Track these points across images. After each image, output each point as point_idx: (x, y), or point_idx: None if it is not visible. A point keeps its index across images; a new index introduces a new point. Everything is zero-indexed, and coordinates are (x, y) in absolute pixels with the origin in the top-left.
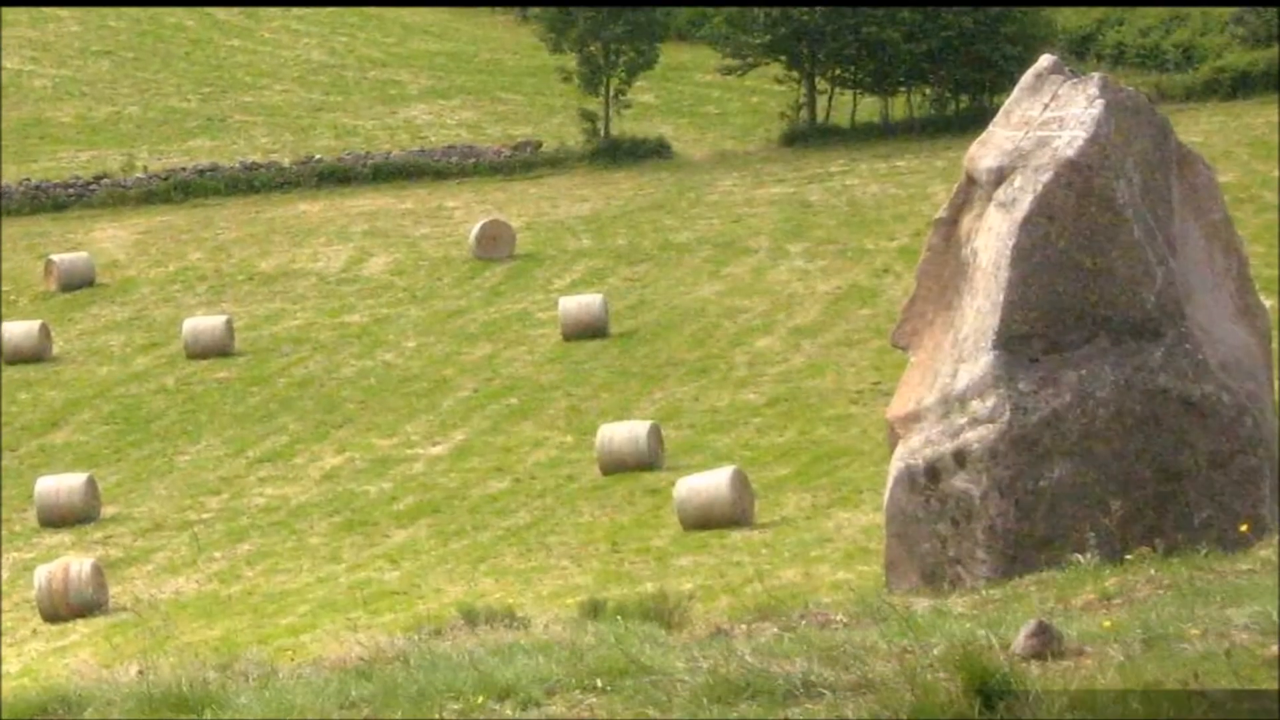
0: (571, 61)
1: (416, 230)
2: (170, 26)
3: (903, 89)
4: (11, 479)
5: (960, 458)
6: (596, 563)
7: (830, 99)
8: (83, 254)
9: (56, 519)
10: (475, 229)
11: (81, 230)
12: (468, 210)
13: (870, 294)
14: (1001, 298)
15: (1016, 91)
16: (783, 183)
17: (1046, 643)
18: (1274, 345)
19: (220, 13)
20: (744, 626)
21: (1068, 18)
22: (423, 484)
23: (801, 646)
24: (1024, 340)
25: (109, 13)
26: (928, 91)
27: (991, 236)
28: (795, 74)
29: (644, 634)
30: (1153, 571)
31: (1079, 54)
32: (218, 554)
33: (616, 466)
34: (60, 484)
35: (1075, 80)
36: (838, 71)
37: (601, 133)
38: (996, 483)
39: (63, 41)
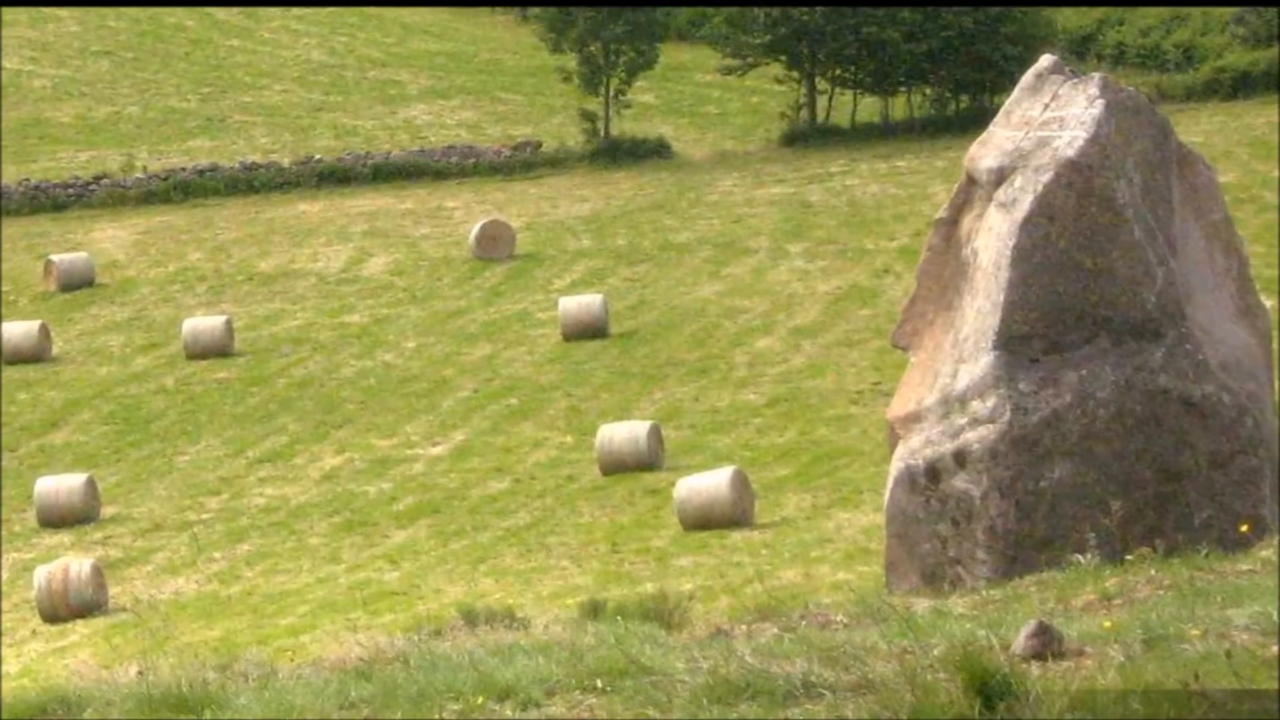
0: (571, 61)
1: (416, 230)
2: (170, 26)
3: (903, 89)
4: (11, 479)
5: (960, 458)
6: (596, 563)
7: (830, 99)
8: (82, 254)
9: (56, 519)
10: (475, 229)
11: (81, 230)
12: (468, 210)
13: (870, 294)
14: (1002, 298)
15: (1017, 91)
16: (783, 183)
17: (1047, 643)
18: (1274, 345)
19: (220, 13)
20: (744, 627)
21: (1068, 18)
22: (423, 484)
23: (802, 647)
24: (1024, 340)
25: (108, 13)
26: (928, 91)
27: (992, 236)
28: (795, 74)
29: (644, 634)
30: (1153, 572)
31: (1079, 54)
32: (217, 554)
33: (616, 467)
34: (60, 484)
35: (1075, 80)
36: (838, 71)
37: (601, 133)
38: (997, 483)
39: (62, 41)
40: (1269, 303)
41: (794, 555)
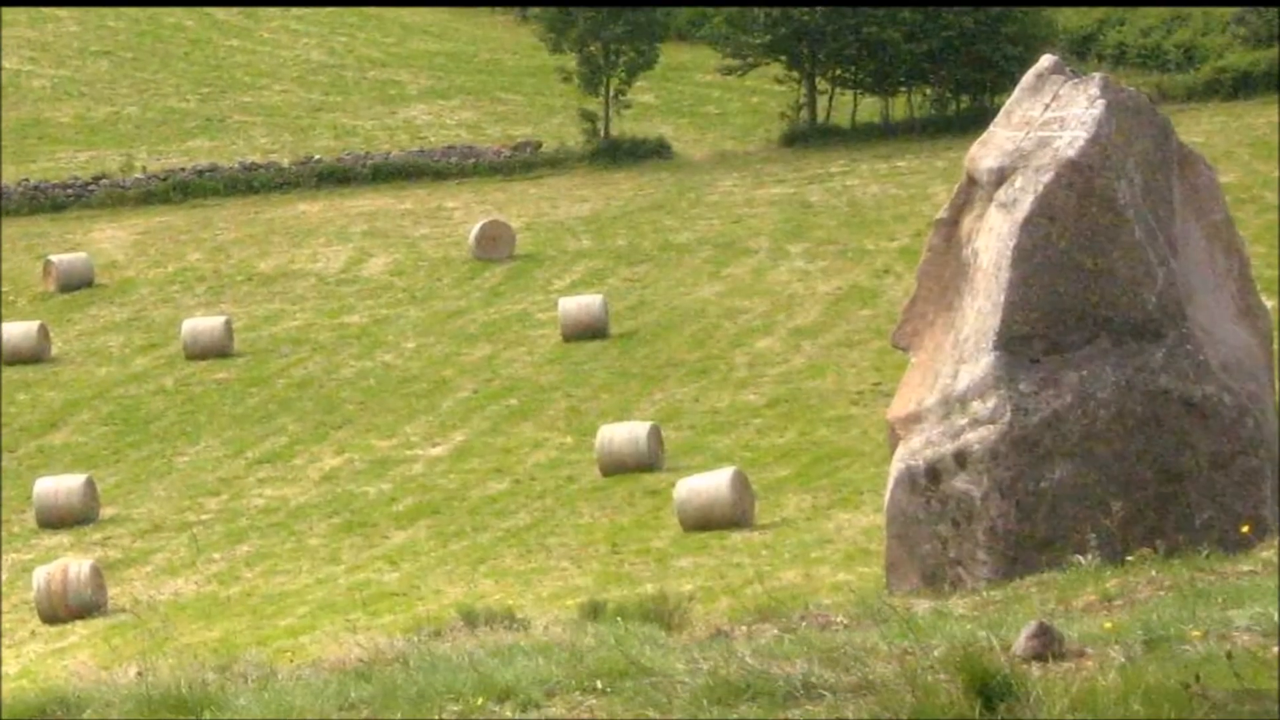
0: (571, 61)
1: (416, 231)
2: (169, 26)
3: (903, 89)
4: (10, 480)
5: (961, 459)
6: (596, 564)
7: (830, 99)
8: (81, 254)
9: (55, 520)
10: (475, 229)
11: (80, 231)
12: (467, 211)
13: (871, 295)
14: (1002, 298)
15: (1017, 92)
16: (783, 183)
17: (1047, 644)
18: (1275, 346)
19: (219, 13)
20: (744, 628)
21: (1069, 18)
22: (422, 485)
23: (802, 648)
24: (1025, 341)
25: (108, 13)
26: (928, 92)
27: (992, 237)
28: (795, 74)
29: (644, 635)
30: (1154, 573)
31: (1080, 54)
32: (217, 555)
33: (616, 467)
34: (59, 485)
35: (1076, 80)
36: (838, 72)
37: (601, 133)
38: (997, 484)
39: (61, 41)
40: (1270, 303)
41: (794, 556)
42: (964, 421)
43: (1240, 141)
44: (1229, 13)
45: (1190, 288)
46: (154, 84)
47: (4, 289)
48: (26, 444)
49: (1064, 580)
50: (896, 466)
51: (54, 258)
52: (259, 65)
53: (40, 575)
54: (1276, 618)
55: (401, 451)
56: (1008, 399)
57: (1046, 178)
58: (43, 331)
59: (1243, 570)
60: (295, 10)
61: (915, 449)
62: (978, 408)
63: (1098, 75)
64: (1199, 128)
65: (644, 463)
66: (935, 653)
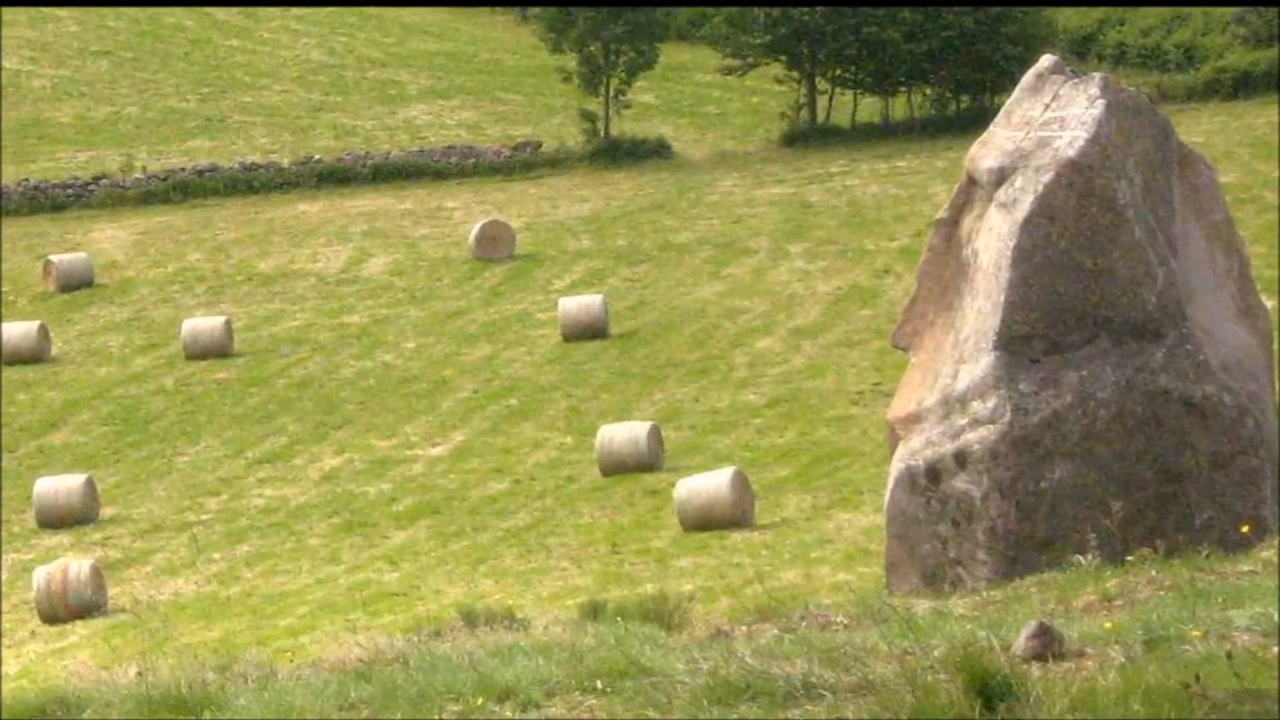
0: (571, 61)
1: (416, 231)
2: (169, 26)
3: (903, 89)
4: (10, 480)
5: (961, 459)
6: (596, 564)
7: (830, 99)
8: (81, 254)
9: (55, 520)
10: (475, 229)
11: (80, 231)
12: (467, 211)
13: (871, 295)
14: (1002, 298)
15: (1017, 92)
16: (783, 183)
17: (1047, 644)
18: (1275, 346)
19: (219, 13)
20: (744, 628)
21: (1069, 18)
22: (422, 485)
23: (802, 648)
24: (1025, 341)
25: (108, 13)
26: (928, 92)
27: (992, 237)
28: (795, 74)
29: (644, 635)
30: (1154, 573)
31: (1080, 54)
32: (217, 555)
33: (616, 467)
34: (59, 485)
35: (1076, 80)
36: (838, 72)
37: (601, 133)
38: (997, 484)
39: (61, 41)
40: (1270, 303)
41: (794, 556)
42: (964, 421)
43: (1240, 141)
44: (1229, 13)
45: (1190, 288)
46: (154, 84)
47: (4, 289)
48: (26, 444)
49: (1064, 580)
50: (896, 466)
51: (54, 258)
52: (259, 65)
53: (40, 575)
54: (1276, 618)
55: (401, 451)
56: (1008, 399)
57: (1046, 178)
58: (43, 331)
59: (1243, 570)
60: (295, 10)
61: (915, 449)
62: (978, 408)
63: (1098, 75)
64: (1199, 128)
65: (644, 463)
66: (935, 653)
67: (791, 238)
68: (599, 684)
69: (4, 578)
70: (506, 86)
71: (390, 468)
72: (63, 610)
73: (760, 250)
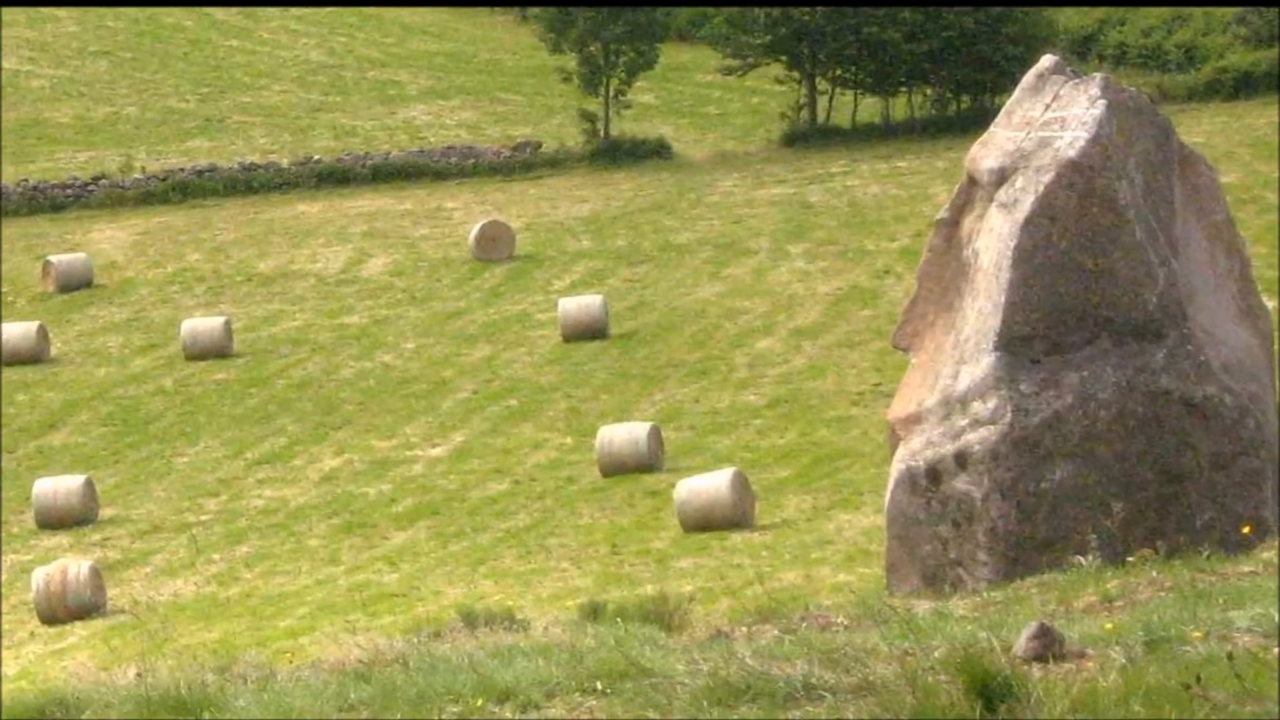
0: (571, 61)
1: (416, 231)
2: (168, 27)
3: (904, 89)
4: (9, 481)
5: (961, 459)
6: (596, 565)
7: (831, 99)
8: (81, 255)
9: (54, 521)
10: (474, 230)
11: (79, 231)
12: (467, 211)
13: (871, 295)
14: (1003, 299)
15: (1018, 92)
16: (783, 183)
17: (1048, 645)
18: (1276, 347)
19: (219, 13)
20: (744, 629)
21: (1069, 18)
22: (422, 486)
23: (802, 649)
24: (1025, 341)
25: (107, 13)
26: (929, 92)
27: (993, 237)
28: (796, 74)
29: (644, 636)
30: (1154, 573)
31: (1080, 54)
32: (216, 556)
33: (616, 468)
34: (58, 486)
35: (1077, 81)
36: (838, 72)
37: (601, 133)
38: (998, 484)
39: (61, 42)
40: (1271, 304)
41: (794, 557)
42: (964, 422)
43: (1241, 142)
44: (1230, 13)
45: (1191, 288)
46: (153, 84)
47: (3, 289)
48: (26, 445)
49: (1065, 581)
50: (897, 467)
51: (53, 258)
52: (258, 65)
53: (39, 576)
54: (1277, 619)
55: (401, 452)
56: (1008, 399)
57: (1047, 178)
58: (42, 332)
59: (1243, 571)
60: (295, 10)
61: (916, 450)
62: (978, 408)
63: (1098, 75)
64: (1200, 128)
65: (644, 463)
66: (936, 654)
67: (792, 238)
68: (599, 685)
69: (3, 578)
70: (506, 87)
71: (390, 468)
72: (62, 611)
73: (760, 251)
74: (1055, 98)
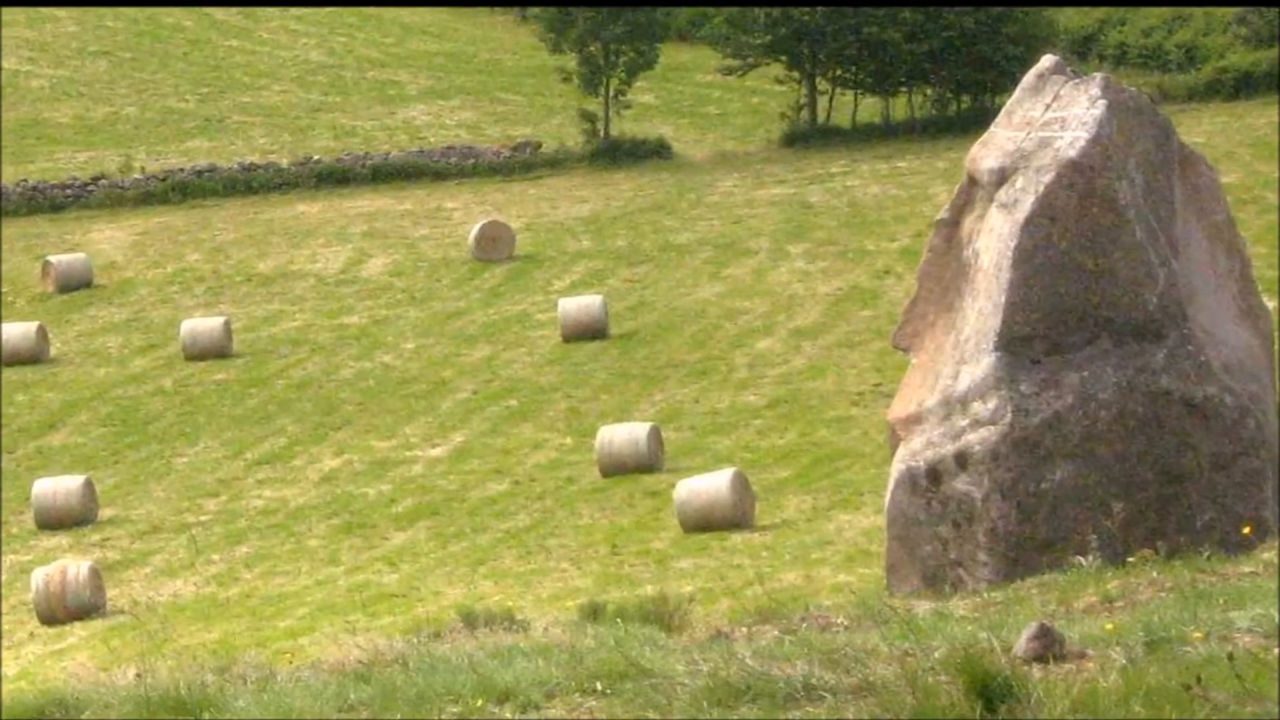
0: (571, 62)
1: (415, 231)
2: (168, 27)
3: (904, 89)
4: (9, 481)
5: (962, 460)
6: (596, 565)
7: (831, 99)
8: (80, 255)
9: (54, 521)
10: (474, 230)
11: (79, 231)
12: (467, 211)
13: (871, 295)
14: (1003, 299)
15: (1018, 92)
16: (783, 184)
17: (1048, 645)
18: (1276, 347)
19: (218, 13)
20: (744, 629)
21: (1070, 18)
22: (422, 486)
23: (802, 649)
24: (1026, 342)
25: (106, 13)
26: (929, 92)
27: (993, 237)
28: (796, 74)
29: (644, 637)
30: (1155, 574)
31: (1081, 54)
32: (216, 556)
33: (616, 468)
34: (58, 486)
35: (1077, 81)
36: (838, 72)
37: (601, 133)
38: (998, 485)
39: (60, 42)
40: (1271, 304)
41: (794, 557)
42: (965, 422)
43: (1241, 142)
44: (1230, 13)
45: (1191, 288)
46: (153, 84)
47: (3, 290)
48: (25, 445)
49: (1065, 581)
50: (897, 467)
51: (53, 258)
52: (258, 65)
53: (39, 576)
54: (1278, 619)
55: (401, 452)
56: (1008, 400)
57: (1047, 178)
58: (41, 332)
59: (1244, 572)
60: (294, 10)
61: (916, 450)
62: (978, 409)
63: (1099, 75)
64: (1200, 128)
65: (644, 464)
66: (936, 654)
67: (792, 238)
68: (599, 685)
69: (3, 579)
70: (506, 87)
71: (390, 469)
72: (61, 612)
73: (760, 251)
74: (1055, 98)
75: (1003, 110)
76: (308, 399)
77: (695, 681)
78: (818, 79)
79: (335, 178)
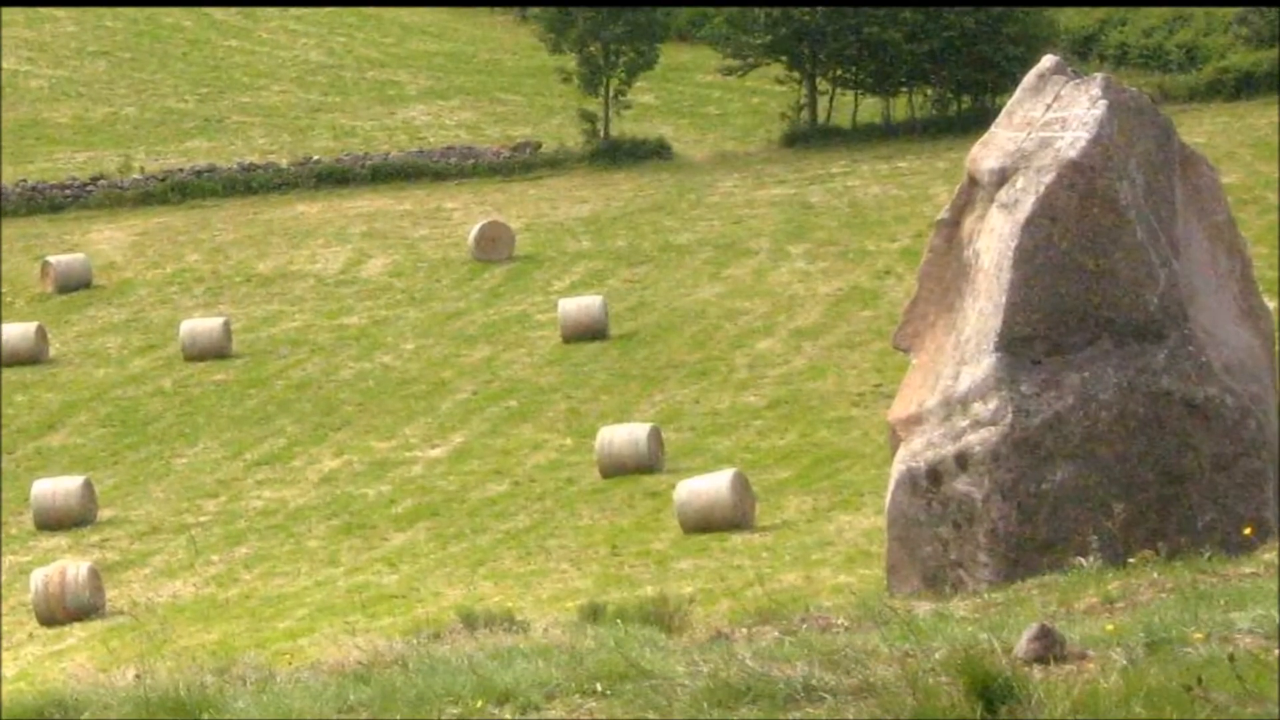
0: (571, 62)
1: (415, 232)
2: (167, 27)
3: (904, 89)
4: (8, 482)
5: (962, 460)
6: (596, 566)
7: (831, 99)
8: (79, 255)
9: (53, 522)
10: (474, 230)
11: (78, 231)
12: (467, 211)
13: (871, 296)
14: (1004, 299)
15: (1019, 92)
16: (784, 184)
17: (1049, 646)
18: (1277, 347)
19: (218, 13)
20: (744, 630)
21: (1070, 18)
22: (421, 487)
23: (802, 650)
24: (1026, 342)
25: (106, 13)
26: (929, 92)
27: (994, 238)
28: (796, 74)
29: (644, 638)
30: (1155, 575)
31: (1081, 54)
32: (215, 557)
33: (616, 469)
34: (57, 487)
35: (1078, 81)
36: (839, 72)
37: (601, 133)
38: (998, 485)
39: (59, 42)
40: (1272, 304)
41: (795, 558)
42: (965, 423)
43: (1242, 142)
44: (1231, 13)
45: (1192, 289)
46: (152, 84)
47: (2, 290)
48: (24, 445)
49: (1065, 582)
50: (897, 468)
51: (52, 259)
52: (257, 66)
53: (38, 577)
54: (1279, 620)
55: (401, 453)
56: (1009, 400)
57: (1048, 178)
58: (40, 333)
59: (1245, 572)
60: (294, 10)
61: (916, 451)
62: (979, 409)
63: (1099, 76)
64: (1201, 128)
65: (644, 464)
66: (936, 655)
67: (792, 239)
68: (599, 686)
69: (2, 580)
70: (506, 87)
71: (389, 469)
72: (60, 612)
73: (761, 251)
74: (1056, 98)
75: (1003, 110)
76: (307, 399)
77: (695, 682)
78: (818, 79)
79: (335, 178)
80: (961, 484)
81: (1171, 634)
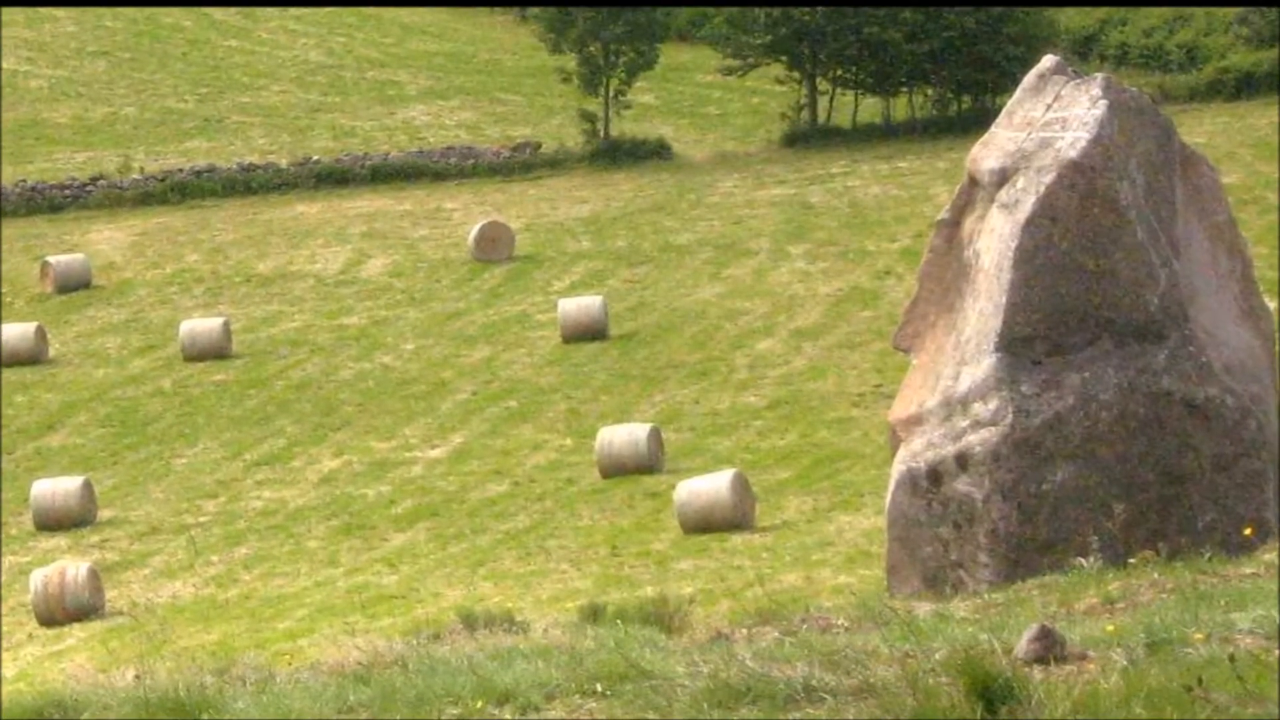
0: (571, 62)
1: (415, 232)
2: (167, 27)
3: (904, 89)
4: (8, 482)
5: (962, 461)
6: (596, 566)
7: (831, 100)
8: (79, 256)
9: (53, 522)
10: (474, 230)
11: (78, 232)
12: (466, 212)
13: (872, 296)
14: (1004, 300)
15: (1019, 92)
16: (784, 184)
17: (1049, 647)
18: (1278, 348)
19: (217, 13)
20: (744, 631)
21: (1070, 18)
22: (421, 487)
23: (802, 651)
24: (1026, 342)
25: (105, 13)
26: (930, 92)
27: (994, 238)
28: (796, 74)
29: (644, 638)
30: (1156, 575)
31: (1082, 54)
32: (215, 558)
33: (616, 469)
34: (56, 487)
35: (1078, 81)
36: (839, 72)
37: (601, 133)
38: (999, 486)
39: (59, 42)
40: (1272, 305)
41: (795, 558)
42: (965, 423)
43: (1243, 142)
44: (1232, 13)
45: (1193, 289)
46: (152, 84)
47: (2, 290)
48: (24, 446)
49: (1066, 583)
50: (897, 468)
51: (51, 259)
52: (257, 66)
53: (38, 578)
54: (1279, 621)
55: (400, 453)
56: (1009, 401)
57: (1048, 178)
58: (40, 333)
59: (1245, 573)
60: (293, 10)
61: (916, 451)
62: (979, 409)
63: (1100, 76)
64: (1201, 128)
65: (644, 465)
66: (936, 655)
67: (792, 239)
68: (599, 687)
69: (2, 580)
70: (506, 87)
71: (389, 470)
72: (60, 613)
73: (761, 251)
74: (1056, 98)
75: (1003, 110)
76: (307, 400)
77: (695, 683)
78: (818, 79)
79: (334, 178)
80: (962, 484)
81: (1172, 634)
